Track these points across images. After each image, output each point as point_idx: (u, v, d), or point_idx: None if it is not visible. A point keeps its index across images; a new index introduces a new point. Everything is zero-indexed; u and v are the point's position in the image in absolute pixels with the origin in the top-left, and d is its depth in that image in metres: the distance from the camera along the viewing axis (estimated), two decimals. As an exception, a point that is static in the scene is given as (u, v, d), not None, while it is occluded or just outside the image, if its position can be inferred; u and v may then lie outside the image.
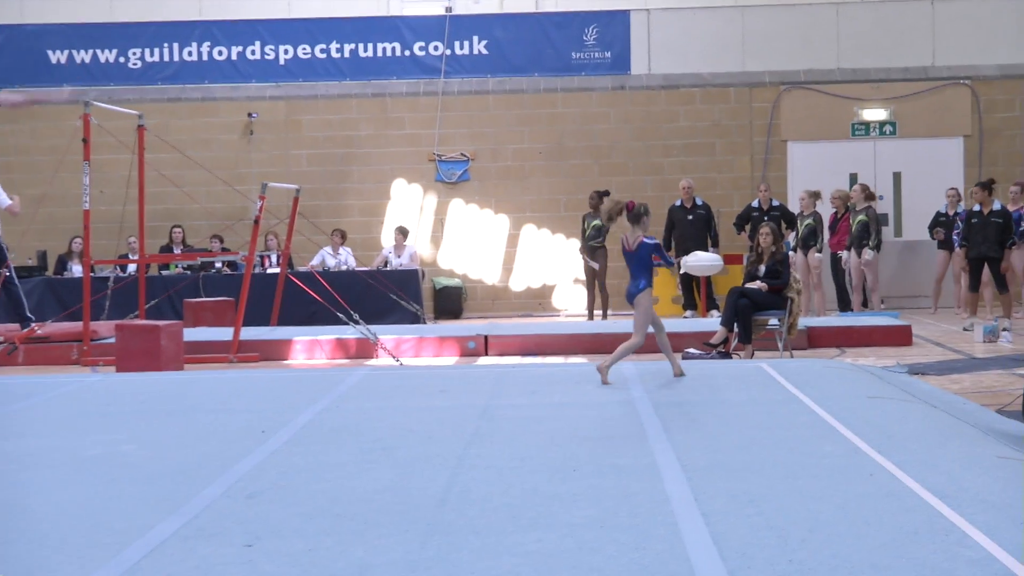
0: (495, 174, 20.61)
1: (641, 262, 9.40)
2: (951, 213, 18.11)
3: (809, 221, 17.64)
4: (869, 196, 17.35)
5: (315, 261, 18.99)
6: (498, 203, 20.60)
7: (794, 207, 19.04)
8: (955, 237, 17.66)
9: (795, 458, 6.42)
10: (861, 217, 17.06)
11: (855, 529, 5.01)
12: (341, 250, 19.10)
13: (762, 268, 13.10)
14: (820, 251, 17.70)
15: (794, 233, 17.94)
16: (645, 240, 9.41)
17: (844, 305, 17.61)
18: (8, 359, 13.68)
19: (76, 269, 18.61)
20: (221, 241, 19.25)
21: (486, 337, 14.39)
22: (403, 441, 7.09)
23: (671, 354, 9.64)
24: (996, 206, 16.33)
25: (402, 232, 19.23)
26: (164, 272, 18.78)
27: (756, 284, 12.95)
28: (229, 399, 9.12)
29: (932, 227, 18.33)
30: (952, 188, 18.36)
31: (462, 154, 20.61)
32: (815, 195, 17.77)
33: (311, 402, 8.62)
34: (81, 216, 14.48)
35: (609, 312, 18.29)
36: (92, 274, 14.98)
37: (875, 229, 17.10)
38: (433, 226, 20.66)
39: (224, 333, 14.59)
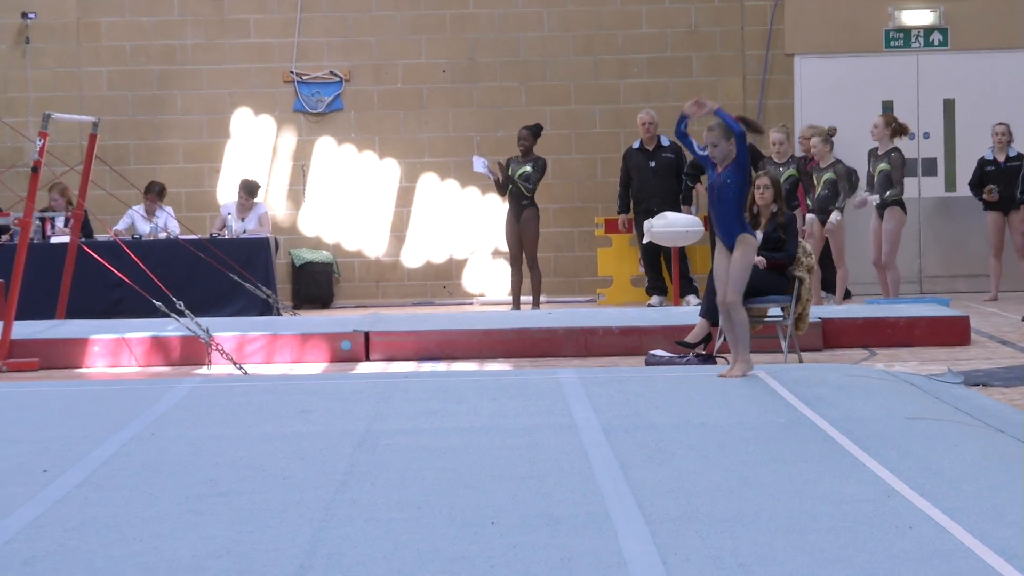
0: (380, 102, 20.58)
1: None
2: (1001, 160, 18.16)
3: (791, 171, 17.29)
4: (898, 131, 17.18)
5: (121, 226, 18.87)
6: (384, 143, 20.57)
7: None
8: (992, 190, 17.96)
9: (803, 504, 6.47)
10: (883, 165, 16.90)
11: (887, 603, 5.07)
12: (159, 211, 19.00)
13: (759, 236, 13.18)
14: (839, 208, 17.63)
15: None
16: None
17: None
18: None
19: None
20: (-16, 197, 19.11)
21: (367, 334, 14.37)
22: (248, 483, 7.08)
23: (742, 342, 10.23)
24: None
25: (248, 188, 19.15)
26: (-98, 242, 18.60)
27: (750, 258, 13.03)
28: (-4, 425, 9.05)
29: (975, 183, 18.34)
30: (1001, 123, 18.32)
31: (332, 73, 20.57)
32: (809, 133, 17.70)
33: (115, 428, 8.57)
34: None
35: (543, 298, 18.33)
36: None
37: (897, 178, 16.97)
38: (291, 176, 20.60)
39: (-11, 330, 14.49)
